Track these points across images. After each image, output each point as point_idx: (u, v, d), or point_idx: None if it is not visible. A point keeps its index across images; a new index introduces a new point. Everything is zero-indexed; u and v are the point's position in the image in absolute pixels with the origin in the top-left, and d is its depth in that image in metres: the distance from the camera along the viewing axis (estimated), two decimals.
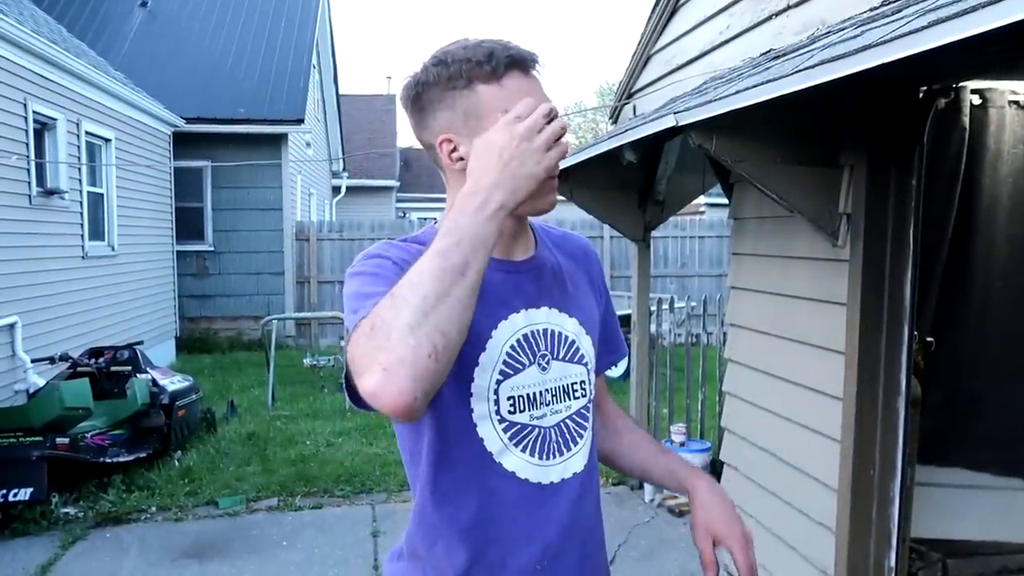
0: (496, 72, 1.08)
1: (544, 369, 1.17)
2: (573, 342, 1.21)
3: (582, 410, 1.22)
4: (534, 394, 1.16)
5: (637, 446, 1.40)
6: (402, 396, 0.86)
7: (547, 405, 1.17)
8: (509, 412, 1.14)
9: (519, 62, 1.09)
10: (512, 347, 1.15)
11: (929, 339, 2.73)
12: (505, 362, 1.14)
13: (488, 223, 0.94)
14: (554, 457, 1.17)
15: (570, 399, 1.20)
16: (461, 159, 1.10)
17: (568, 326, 1.21)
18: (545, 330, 1.18)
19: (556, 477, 1.17)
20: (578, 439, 1.20)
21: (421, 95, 1.12)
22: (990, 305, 2.85)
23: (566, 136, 1.02)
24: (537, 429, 1.16)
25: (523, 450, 1.15)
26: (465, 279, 0.91)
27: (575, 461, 1.19)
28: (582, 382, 1.22)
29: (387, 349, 0.86)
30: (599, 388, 1.38)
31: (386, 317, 0.88)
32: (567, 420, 1.19)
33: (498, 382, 1.13)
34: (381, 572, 3.70)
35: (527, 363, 1.16)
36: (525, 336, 1.16)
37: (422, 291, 0.88)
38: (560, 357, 1.20)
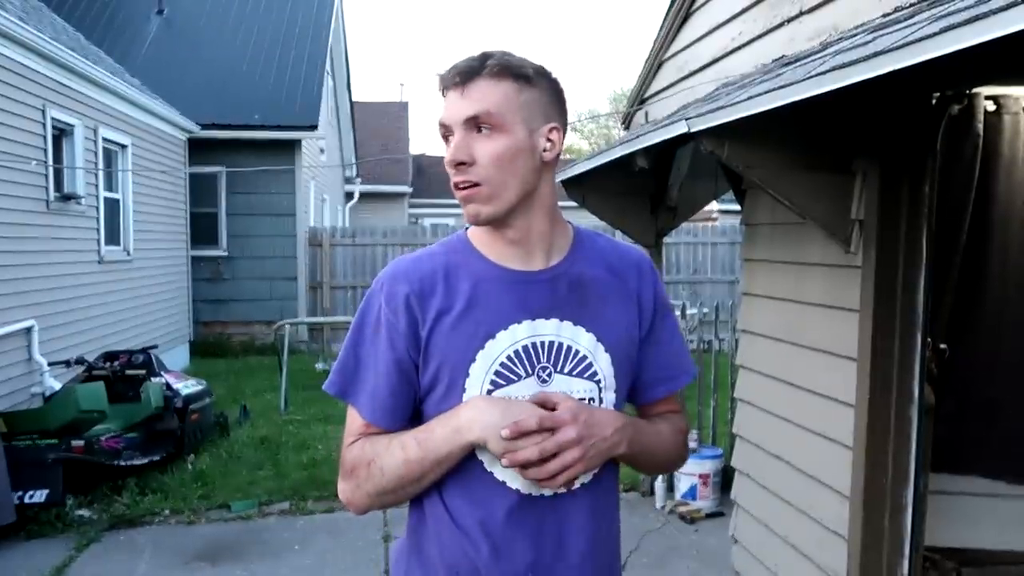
0: (439, 89, 1.18)
1: (544, 382, 1.16)
2: (584, 357, 1.19)
3: None
4: None
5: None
6: (357, 512, 1.25)
7: None
8: None
9: (442, 83, 1.16)
10: (508, 358, 1.15)
11: (943, 346, 2.71)
12: (497, 372, 1.15)
13: (455, 450, 1.14)
14: None
15: None
16: None
17: (582, 340, 1.19)
18: (551, 342, 1.17)
19: (549, 491, 1.16)
20: None
21: None
22: (1005, 312, 2.83)
23: (529, 420, 1.10)
24: None
25: None
26: (420, 483, 1.17)
27: None
28: (591, 399, 1.19)
29: (359, 490, 1.20)
30: (669, 408, 1.33)
31: (362, 474, 1.18)
32: None
33: (488, 391, 1.14)
34: None
35: (523, 374, 1.16)
36: (525, 347, 1.16)
37: (388, 479, 1.17)
38: (565, 371, 1.18)
